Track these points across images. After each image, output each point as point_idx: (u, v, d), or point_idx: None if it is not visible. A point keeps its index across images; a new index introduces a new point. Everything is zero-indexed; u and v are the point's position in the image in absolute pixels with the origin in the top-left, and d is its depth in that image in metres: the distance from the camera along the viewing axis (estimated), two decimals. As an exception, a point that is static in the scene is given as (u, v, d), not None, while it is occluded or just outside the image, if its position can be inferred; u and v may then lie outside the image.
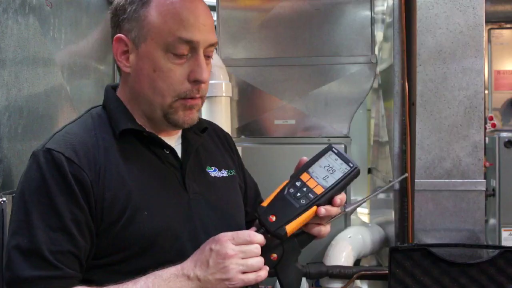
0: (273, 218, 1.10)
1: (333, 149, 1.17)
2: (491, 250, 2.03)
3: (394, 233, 2.20)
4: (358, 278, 2.09)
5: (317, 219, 1.14)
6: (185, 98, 1.14)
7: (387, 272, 1.96)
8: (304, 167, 1.16)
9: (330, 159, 1.16)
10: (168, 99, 1.14)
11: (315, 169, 1.15)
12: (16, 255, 1.03)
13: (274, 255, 1.13)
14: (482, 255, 2.01)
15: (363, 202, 1.27)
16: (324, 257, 2.19)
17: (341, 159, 1.16)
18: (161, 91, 1.13)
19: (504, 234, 3.10)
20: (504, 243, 3.04)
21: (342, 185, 1.14)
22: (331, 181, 1.13)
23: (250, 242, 1.07)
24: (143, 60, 1.14)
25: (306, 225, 1.15)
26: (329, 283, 2.15)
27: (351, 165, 1.15)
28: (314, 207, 1.12)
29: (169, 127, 1.20)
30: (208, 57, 1.18)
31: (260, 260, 1.08)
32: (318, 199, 1.12)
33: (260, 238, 1.08)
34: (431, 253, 1.92)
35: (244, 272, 1.05)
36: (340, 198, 1.14)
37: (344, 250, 2.18)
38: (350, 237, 2.23)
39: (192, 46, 1.13)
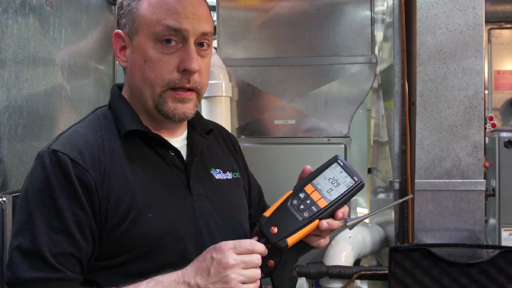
0: (275, 230, 1.10)
1: (339, 160, 1.16)
2: (491, 250, 2.03)
3: (394, 233, 2.20)
4: (358, 278, 2.09)
5: (318, 231, 1.14)
6: (175, 89, 1.13)
7: (387, 272, 1.96)
8: (308, 178, 1.15)
9: (335, 171, 1.15)
10: (157, 89, 1.12)
11: (320, 181, 1.14)
12: (17, 255, 1.03)
13: (271, 262, 1.13)
14: (482, 255, 2.01)
15: (365, 218, 1.27)
16: (324, 257, 2.19)
17: (346, 171, 1.14)
18: (150, 81, 1.12)
19: (504, 234, 3.11)
20: (504, 243, 3.05)
21: (346, 199, 1.13)
22: (335, 194, 1.12)
23: (252, 252, 1.06)
24: (136, 53, 1.14)
25: (306, 236, 1.15)
26: (329, 283, 2.16)
27: (356, 179, 1.13)
28: (317, 221, 1.11)
29: (166, 121, 1.18)
30: (201, 44, 1.15)
31: (260, 271, 1.08)
32: (321, 212, 1.11)
33: (261, 248, 1.08)
34: (431, 253, 1.92)
35: (244, 283, 1.04)
36: (342, 211, 1.13)
37: (344, 250, 2.18)
38: (350, 237, 2.23)
39: (182, 35, 1.12)
